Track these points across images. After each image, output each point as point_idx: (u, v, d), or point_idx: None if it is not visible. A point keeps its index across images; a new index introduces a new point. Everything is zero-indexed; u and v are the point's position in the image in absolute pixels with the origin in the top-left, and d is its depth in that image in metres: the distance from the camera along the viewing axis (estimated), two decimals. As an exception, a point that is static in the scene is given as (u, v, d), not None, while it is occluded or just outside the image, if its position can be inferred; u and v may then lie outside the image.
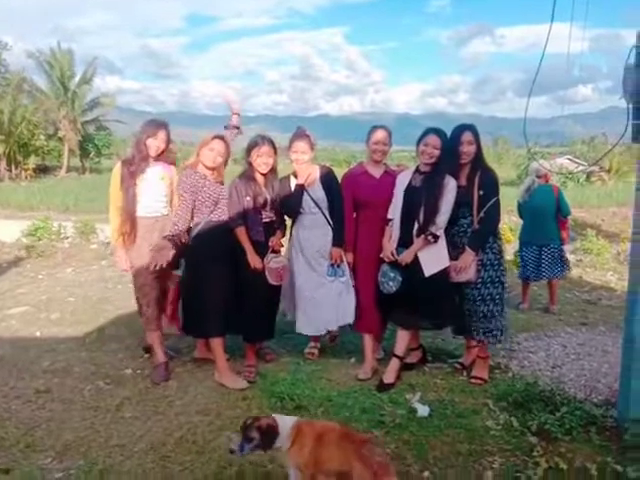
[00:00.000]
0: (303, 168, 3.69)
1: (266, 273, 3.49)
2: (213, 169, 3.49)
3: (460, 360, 3.84)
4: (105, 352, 4.04)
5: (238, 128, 3.90)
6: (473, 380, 3.50)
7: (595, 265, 7.52)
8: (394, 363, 3.49)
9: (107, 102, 35.91)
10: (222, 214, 3.49)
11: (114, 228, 3.55)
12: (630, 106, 2.63)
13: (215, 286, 3.43)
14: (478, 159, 3.41)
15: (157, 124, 3.55)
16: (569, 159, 35.88)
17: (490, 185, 3.36)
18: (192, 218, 3.44)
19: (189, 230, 3.44)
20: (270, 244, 3.60)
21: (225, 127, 3.87)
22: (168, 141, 3.58)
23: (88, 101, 35.39)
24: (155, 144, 3.49)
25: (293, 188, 3.71)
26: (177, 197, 3.49)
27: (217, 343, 3.50)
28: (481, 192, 3.32)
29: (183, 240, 3.39)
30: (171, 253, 3.32)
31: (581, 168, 30.97)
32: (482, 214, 3.33)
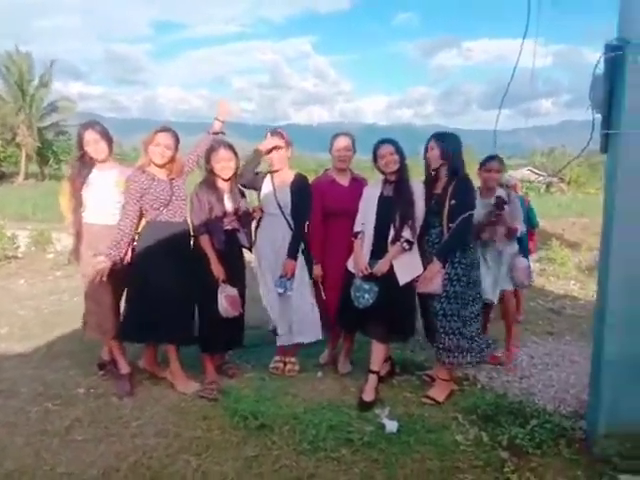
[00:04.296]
0: (280, 166, 3.64)
1: (220, 303, 3.33)
2: (164, 165, 3.33)
3: (429, 372, 3.75)
4: (55, 370, 3.79)
5: (222, 133, 3.75)
6: (424, 399, 3.34)
7: (558, 274, 7.65)
8: (372, 380, 3.37)
9: (67, 106, 35.02)
10: (174, 215, 3.35)
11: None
12: (598, 116, 2.62)
13: (162, 289, 3.27)
14: (453, 169, 3.30)
15: (86, 123, 3.40)
16: (530, 170, 37.07)
17: (462, 195, 3.23)
18: (139, 223, 3.34)
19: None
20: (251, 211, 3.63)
21: (207, 131, 3.72)
22: (108, 142, 3.38)
23: (46, 105, 34.42)
24: (90, 144, 3.33)
25: (264, 186, 3.65)
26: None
27: (170, 347, 3.45)
28: (452, 202, 3.24)
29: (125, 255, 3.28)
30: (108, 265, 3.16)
31: (540, 178, 32.07)
32: (452, 225, 3.23)
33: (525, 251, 4.10)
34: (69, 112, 35.43)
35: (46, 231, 8.96)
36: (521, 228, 3.85)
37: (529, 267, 4.02)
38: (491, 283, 3.82)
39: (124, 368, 3.48)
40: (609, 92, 2.59)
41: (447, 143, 3.32)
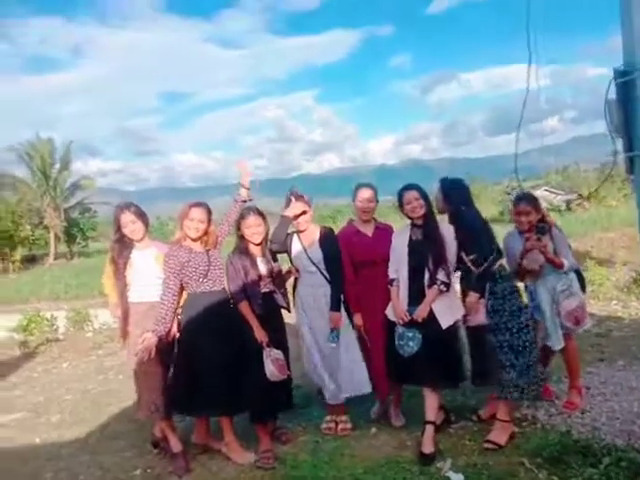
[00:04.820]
0: (306, 226, 3.72)
1: (267, 368, 3.33)
2: (199, 238, 3.44)
3: (479, 412, 3.69)
4: (111, 452, 3.79)
5: (249, 200, 3.82)
6: (486, 444, 3.25)
7: (598, 296, 7.45)
8: (429, 430, 3.29)
9: (87, 184, 36.38)
10: (213, 284, 3.42)
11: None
12: (620, 139, 2.65)
13: (210, 361, 3.30)
14: (457, 207, 3.42)
15: (121, 205, 3.52)
16: (547, 190, 36.77)
17: (469, 228, 3.33)
18: (180, 296, 3.40)
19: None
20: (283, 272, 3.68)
21: (235, 200, 3.79)
22: (143, 221, 3.50)
23: (69, 186, 35.81)
24: (127, 226, 3.44)
25: (294, 246, 3.72)
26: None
27: (223, 418, 3.45)
28: (463, 236, 3.33)
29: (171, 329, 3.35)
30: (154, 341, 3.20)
31: (559, 197, 31.69)
32: (472, 257, 3.29)
33: (583, 287, 3.87)
34: (90, 189, 36.79)
35: (82, 309, 9.14)
36: (568, 263, 3.60)
37: (577, 309, 3.64)
38: (550, 328, 3.67)
39: (176, 447, 3.45)
40: (625, 115, 2.62)
41: (443, 190, 3.51)
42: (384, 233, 3.75)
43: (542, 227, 3.61)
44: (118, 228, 3.48)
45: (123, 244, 3.49)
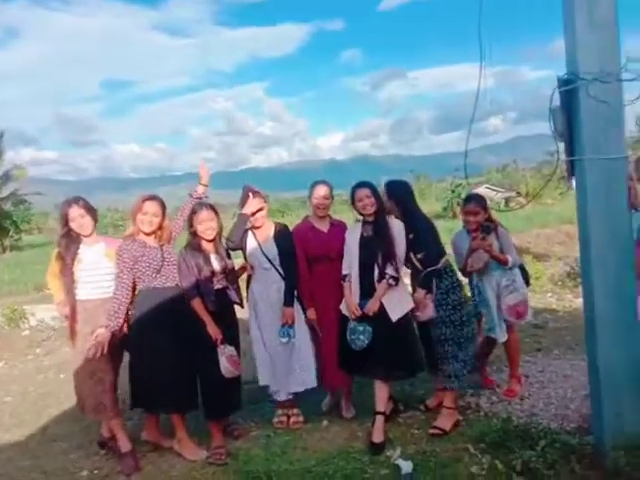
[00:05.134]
0: (262, 222, 3.72)
1: (222, 364, 3.31)
2: (153, 233, 3.38)
3: (427, 403, 3.83)
4: (54, 455, 3.64)
5: (205, 197, 3.81)
6: (432, 430, 3.40)
7: (534, 289, 7.85)
8: (379, 421, 3.39)
9: (18, 174, 34.42)
10: (166, 280, 3.36)
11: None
12: (562, 144, 2.82)
13: (163, 357, 3.26)
14: (405, 208, 3.56)
15: (70, 199, 3.38)
16: (487, 187, 38.32)
17: (416, 228, 3.48)
18: (134, 290, 3.32)
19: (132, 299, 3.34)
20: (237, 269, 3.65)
21: (190, 195, 3.79)
22: (92, 216, 3.38)
23: (1, 175, 33.77)
24: (75, 220, 3.32)
25: (249, 243, 3.71)
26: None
27: (175, 415, 3.41)
28: (410, 236, 3.47)
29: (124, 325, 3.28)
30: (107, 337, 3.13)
31: (499, 195, 33.11)
32: (419, 255, 3.44)
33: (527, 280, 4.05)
34: (22, 179, 34.87)
35: (17, 306, 8.67)
36: (512, 260, 3.74)
37: (519, 303, 3.77)
38: (494, 321, 3.82)
39: (125, 446, 3.36)
40: (568, 122, 2.79)
41: (389, 192, 3.63)
42: (338, 229, 3.80)
43: (487, 227, 3.78)
44: (66, 222, 3.33)
45: (70, 239, 3.35)
